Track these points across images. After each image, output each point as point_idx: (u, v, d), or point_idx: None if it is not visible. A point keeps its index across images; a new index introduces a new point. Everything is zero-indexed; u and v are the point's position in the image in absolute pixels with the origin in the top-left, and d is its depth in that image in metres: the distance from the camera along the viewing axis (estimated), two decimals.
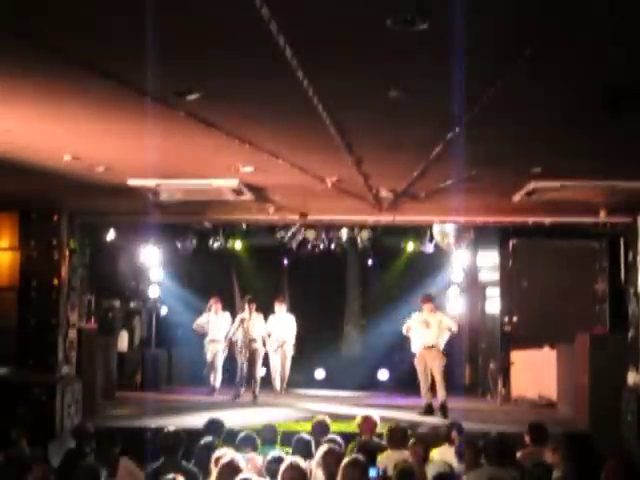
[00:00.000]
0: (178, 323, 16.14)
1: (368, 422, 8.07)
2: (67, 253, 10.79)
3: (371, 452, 6.61)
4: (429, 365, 11.99)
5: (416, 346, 12.13)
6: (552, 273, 13.61)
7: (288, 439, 7.61)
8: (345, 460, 5.47)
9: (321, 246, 15.07)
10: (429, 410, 11.79)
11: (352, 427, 9.18)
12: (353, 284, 17.16)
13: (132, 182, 8.72)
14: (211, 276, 15.90)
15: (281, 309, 14.00)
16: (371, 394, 14.51)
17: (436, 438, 7.81)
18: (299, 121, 6.44)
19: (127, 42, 4.75)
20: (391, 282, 16.20)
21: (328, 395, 14.15)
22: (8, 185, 9.18)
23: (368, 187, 8.98)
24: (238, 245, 15.08)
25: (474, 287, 15.90)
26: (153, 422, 10.24)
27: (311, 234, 14.71)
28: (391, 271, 16.30)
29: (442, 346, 12.10)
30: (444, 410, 11.56)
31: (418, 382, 12.17)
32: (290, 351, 13.94)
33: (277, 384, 13.91)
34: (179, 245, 14.95)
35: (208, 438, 7.05)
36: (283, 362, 13.89)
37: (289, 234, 14.55)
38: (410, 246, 14.84)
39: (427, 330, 12.03)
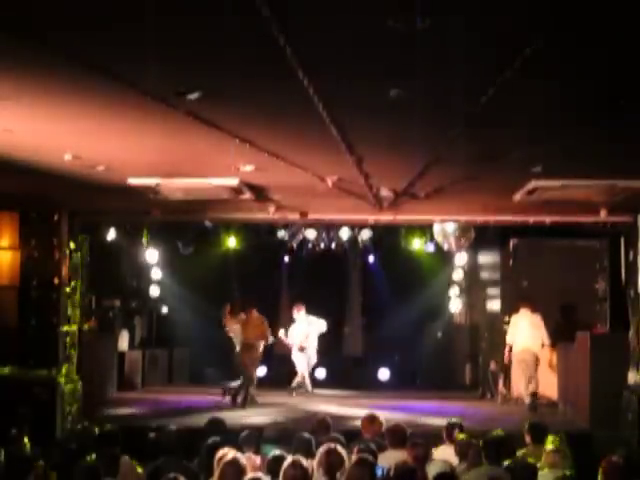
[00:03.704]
0: (178, 322, 16.17)
1: (371, 422, 8.07)
2: (67, 252, 10.79)
3: (373, 452, 6.61)
4: None
5: None
6: (553, 272, 13.60)
7: (289, 438, 7.61)
8: (353, 459, 5.48)
9: (321, 245, 15.08)
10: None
11: (353, 426, 9.20)
12: (353, 283, 17.17)
13: (132, 181, 8.72)
14: (211, 275, 15.91)
15: (299, 314, 14.00)
16: (371, 394, 14.52)
17: (436, 438, 7.82)
18: (299, 120, 6.44)
19: (127, 42, 4.75)
20: (391, 281, 16.21)
21: (329, 394, 14.14)
22: (8, 185, 9.18)
23: (368, 186, 8.98)
24: (237, 243, 15.05)
25: (475, 287, 15.91)
26: (154, 421, 10.24)
27: (311, 234, 14.71)
28: (391, 271, 16.30)
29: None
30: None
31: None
32: (311, 356, 13.99)
33: (308, 386, 14.03)
34: (179, 244, 14.96)
35: (211, 437, 7.05)
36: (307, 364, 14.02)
37: (289, 233, 14.55)
38: (410, 246, 14.83)
39: None
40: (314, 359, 14.15)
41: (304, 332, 13.97)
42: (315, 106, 5.82)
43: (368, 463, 5.40)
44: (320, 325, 14.12)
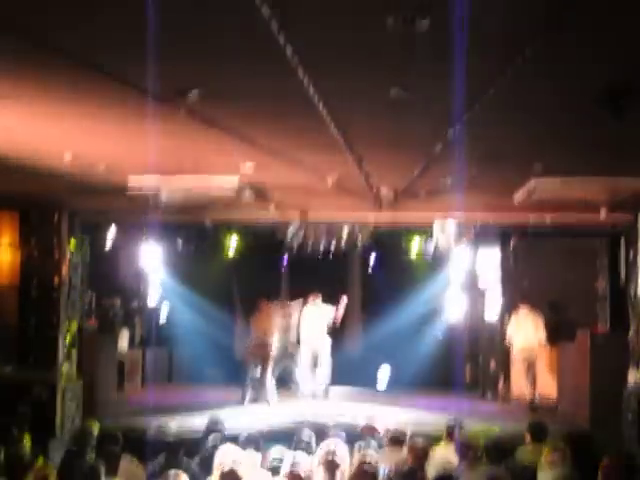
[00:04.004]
0: (178, 322, 16.16)
1: (371, 422, 8.08)
2: (67, 252, 10.80)
3: (373, 452, 6.62)
4: None
5: None
6: (553, 272, 13.61)
7: (289, 438, 7.62)
8: (354, 459, 5.49)
9: (321, 245, 15.05)
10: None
11: (353, 426, 9.21)
12: (353, 283, 17.16)
13: (132, 181, 8.73)
14: (211, 275, 15.91)
15: (315, 302, 13.86)
16: (371, 393, 14.51)
17: (436, 438, 7.82)
18: (299, 120, 6.44)
19: (127, 42, 4.75)
20: (392, 281, 16.20)
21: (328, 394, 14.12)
22: (8, 184, 9.18)
23: (369, 186, 8.98)
24: (237, 243, 15.05)
25: (475, 286, 15.89)
26: (154, 421, 10.24)
27: (311, 233, 14.68)
28: (391, 270, 16.29)
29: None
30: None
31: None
32: (322, 349, 13.65)
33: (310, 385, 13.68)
34: (179, 244, 14.96)
35: (211, 437, 7.06)
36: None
37: (289, 233, 14.52)
38: (410, 245, 14.83)
39: None
40: (326, 358, 13.66)
41: (316, 316, 13.73)
42: (315, 105, 5.82)
43: (371, 472, 5.40)
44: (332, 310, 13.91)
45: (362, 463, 5.57)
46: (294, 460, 5.54)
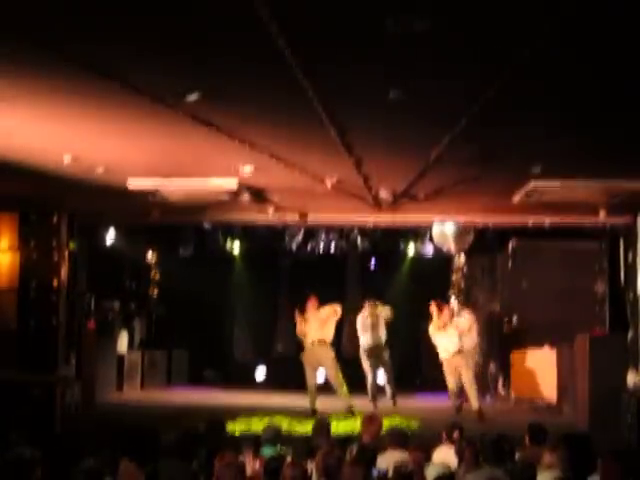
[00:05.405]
0: (177, 323, 16.17)
1: (371, 422, 8.05)
2: (67, 254, 10.79)
3: (372, 453, 6.60)
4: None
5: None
6: (552, 274, 13.61)
7: (289, 440, 7.61)
8: (348, 459, 5.48)
9: (320, 247, 15.05)
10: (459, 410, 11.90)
11: (354, 427, 9.20)
12: (353, 285, 17.16)
13: (132, 183, 8.73)
14: (210, 277, 15.91)
15: (365, 312, 13.54)
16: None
17: (436, 439, 7.81)
18: (299, 121, 6.44)
19: (127, 42, 4.75)
20: (391, 283, 16.21)
21: (328, 395, 14.11)
22: (8, 185, 9.18)
23: (368, 188, 8.98)
24: (236, 246, 15.07)
25: (474, 288, 15.91)
26: (153, 423, 10.22)
27: (310, 236, 14.68)
28: (391, 272, 16.30)
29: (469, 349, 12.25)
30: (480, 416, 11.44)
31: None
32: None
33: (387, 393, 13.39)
34: (179, 246, 14.97)
35: (210, 439, 7.05)
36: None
37: (288, 235, 14.52)
38: (410, 248, 14.83)
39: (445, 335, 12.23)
40: (387, 362, 13.36)
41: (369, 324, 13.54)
42: (314, 107, 5.83)
43: (363, 463, 5.41)
44: (385, 311, 13.64)
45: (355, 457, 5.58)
46: (293, 459, 5.53)
